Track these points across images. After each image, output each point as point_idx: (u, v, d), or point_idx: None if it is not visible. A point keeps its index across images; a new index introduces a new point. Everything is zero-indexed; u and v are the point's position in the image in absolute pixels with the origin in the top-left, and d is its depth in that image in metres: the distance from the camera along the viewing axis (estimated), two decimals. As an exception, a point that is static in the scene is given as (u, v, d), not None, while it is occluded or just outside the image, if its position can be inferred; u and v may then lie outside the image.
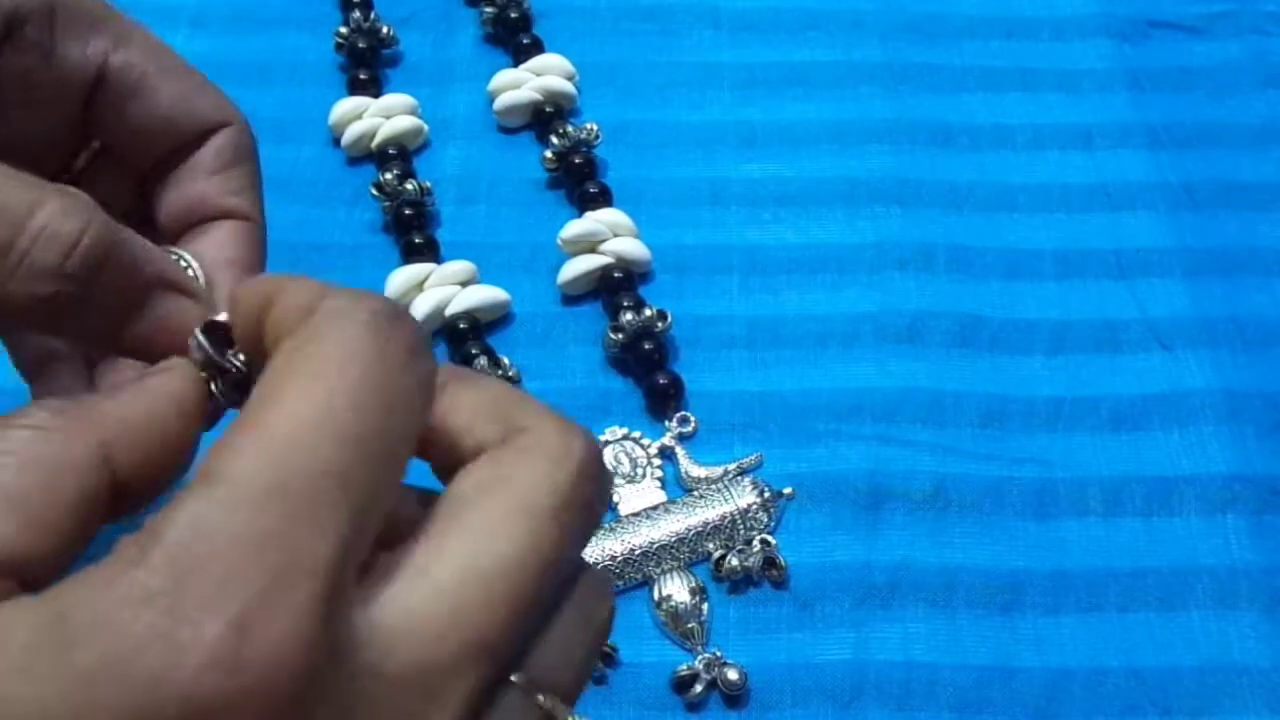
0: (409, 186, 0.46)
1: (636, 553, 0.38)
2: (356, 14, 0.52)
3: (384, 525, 0.19)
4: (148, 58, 0.29)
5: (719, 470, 0.40)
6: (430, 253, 0.45)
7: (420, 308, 0.43)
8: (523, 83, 0.50)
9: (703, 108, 0.50)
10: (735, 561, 0.38)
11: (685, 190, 0.48)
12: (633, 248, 0.44)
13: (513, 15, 0.52)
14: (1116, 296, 0.44)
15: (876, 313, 0.44)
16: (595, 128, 0.47)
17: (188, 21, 0.53)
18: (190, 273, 0.28)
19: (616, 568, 0.38)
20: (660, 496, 0.40)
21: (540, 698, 0.20)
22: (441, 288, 0.43)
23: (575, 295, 0.45)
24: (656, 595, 0.38)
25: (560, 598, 0.21)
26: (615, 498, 0.39)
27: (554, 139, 0.47)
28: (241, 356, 0.25)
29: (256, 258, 0.30)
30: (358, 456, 0.18)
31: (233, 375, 0.25)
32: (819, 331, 0.43)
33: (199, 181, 0.30)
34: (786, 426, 0.41)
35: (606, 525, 0.39)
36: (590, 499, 0.21)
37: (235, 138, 0.30)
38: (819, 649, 0.37)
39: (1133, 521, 0.39)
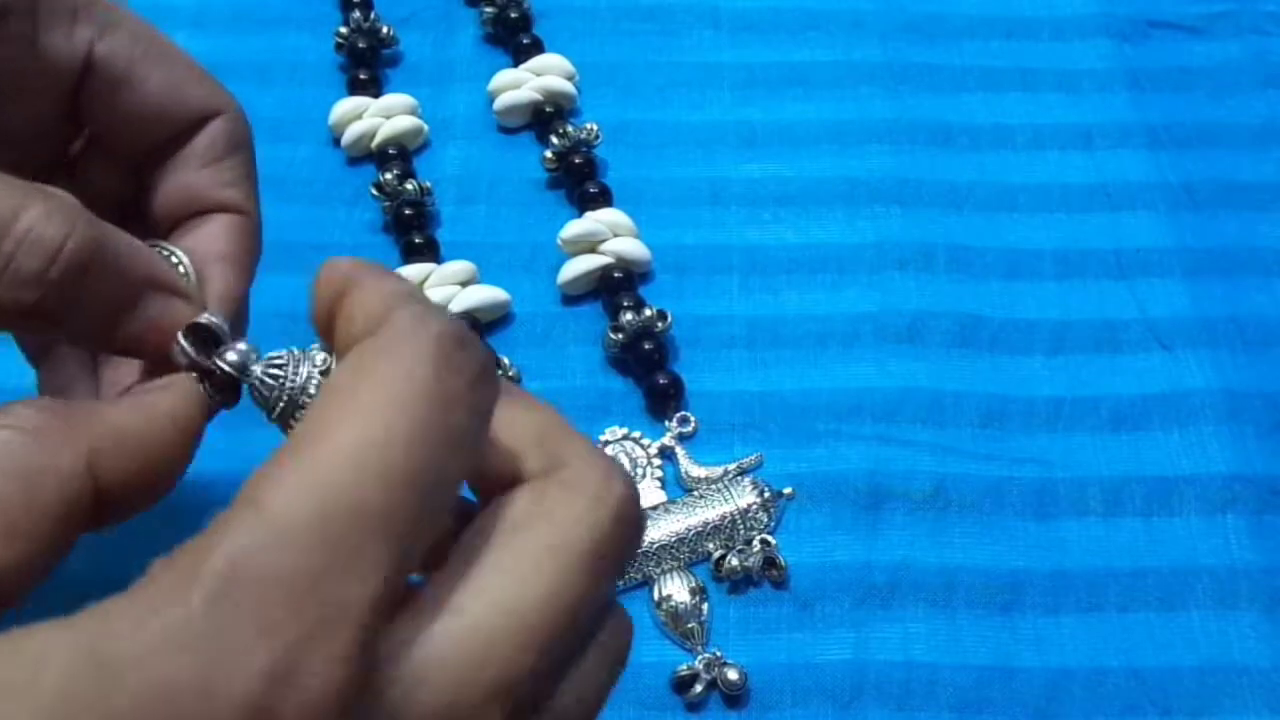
0: (409, 186, 0.46)
1: (636, 553, 0.38)
2: (356, 14, 0.52)
3: None
4: (136, 45, 0.28)
5: (719, 470, 0.40)
6: (430, 253, 0.45)
7: (420, 308, 0.43)
8: (523, 83, 0.50)
9: (703, 108, 0.50)
10: (735, 561, 0.38)
11: (685, 190, 0.48)
12: (633, 248, 0.44)
13: (513, 15, 0.52)
14: (1116, 296, 0.44)
15: (876, 313, 0.44)
16: (595, 128, 0.47)
17: (188, 21, 0.53)
18: (181, 269, 0.27)
19: (616, 568, 0.38)
20: (660, 496, 0.40)
21: None
22: (441, 288, 0.43)
23: (575, 295, 0.45)
24: (656, 595, 0.38)
25: (588, 637, 0.20)
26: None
27: (554, 139, 0.47)
28: (231, 356, 0.25)
29: (249, 253, 0.30)
30: (406, 498, 0.18)
31: (220, 378, 0.25)
32: (819, 331, 0.43)
33: (191, 173, 0.29)
34: (786, 426, 0.41)
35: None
36: (626, 542, 0.20)
37: (228, 127, 0.29)
38: (819, 649, 0.37)
39: (1133, 521, 0.39)
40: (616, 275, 0.44)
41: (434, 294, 0.43)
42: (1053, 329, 0.44)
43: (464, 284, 0.44)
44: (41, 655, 0.16)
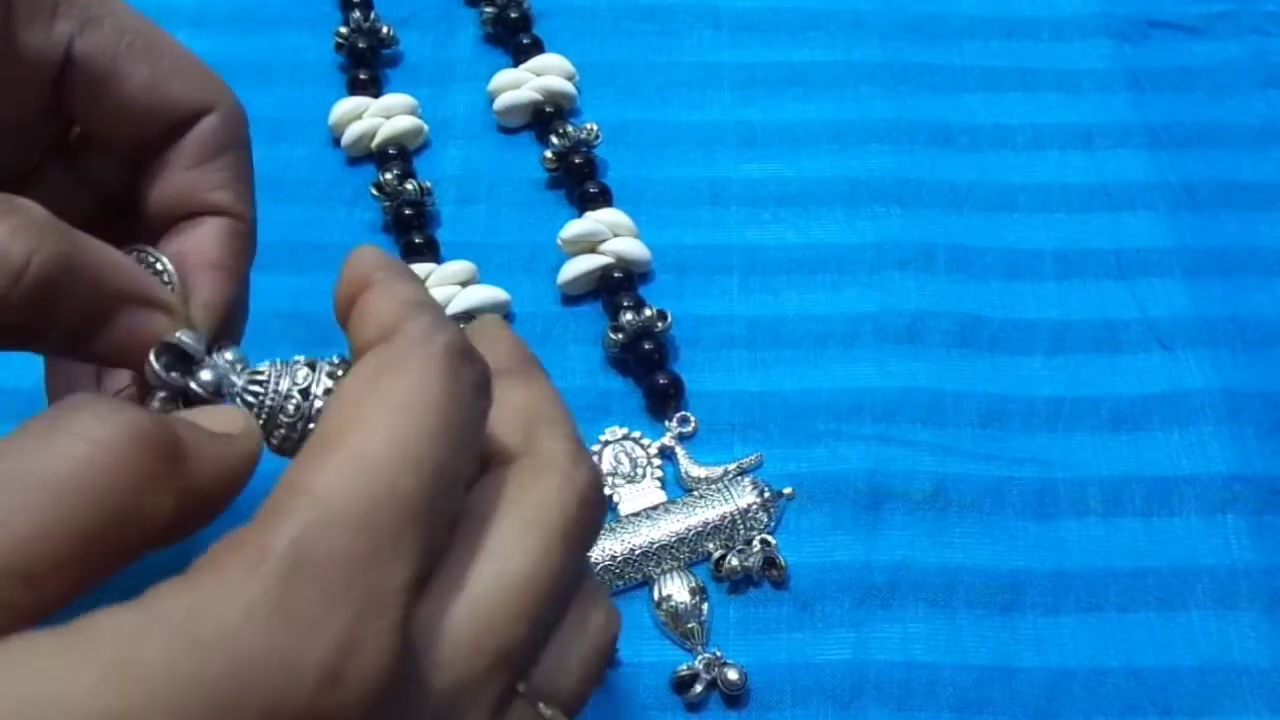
0: (409, 186, 0.46)
1: (636, 553, 0.38)
2: (356, 14, 0.52)
3: None
4: (120, 40, 0.27)
5: (719, 470, 0.40)
6: (430, 253, 0.45)
7: (420, 308, 0.43)
8: (523, 83, 0.50)
9: (703, 108, 0.50)
10: (735, 561, 0.38)
11: (685, 190, 0.48)
12: (633, 248, 0.44)
13: (513, 15, 0.52)
14: (1116, 296, 0.44)
15: (876, 313, 0.44)
16: (595, 128, 0.47)
17: (188, 21, 0.53)
18: (165, 277, 0.27)
19: (616, 568, 0.38)
20: (660, 496, 0.40)
21: (541, 707, 0.21)
22: (441, 288, 0.43)
23: (575, 295, 0.45)
24: (656, 595, 0.38)
25: (560, 612, 0.22)
26: (615, 498, 0.40)
27: (554, 139, 0.47)
28: (205, 375, 0.25)
29: (238, 257, 0.29)
30: (433, 488, 0.19)
31: (196, 397, 0.24)
32: (819, 331, 0.43)
33: (179, 174, 0.28)
34: (786, 426, 0.41)
35: (607, 525, 0.39)
36: (592, 521, 0.23)
37: (218, 126, 0.28)
38: (819, 649, 0.37)
39: (1133, 521, 0.39)
40: (616, 275, 0.44)
41: (434, 294, 0.43)
42: (1053, 329, 0.44)
43: (464, 284, 0.44)
44: (137, 634, 0.17)
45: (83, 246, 0.24)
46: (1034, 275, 0.45)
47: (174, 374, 0.25)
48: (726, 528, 0.38)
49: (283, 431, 0.24)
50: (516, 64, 0.51)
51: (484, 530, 0.21)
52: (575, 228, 0.45)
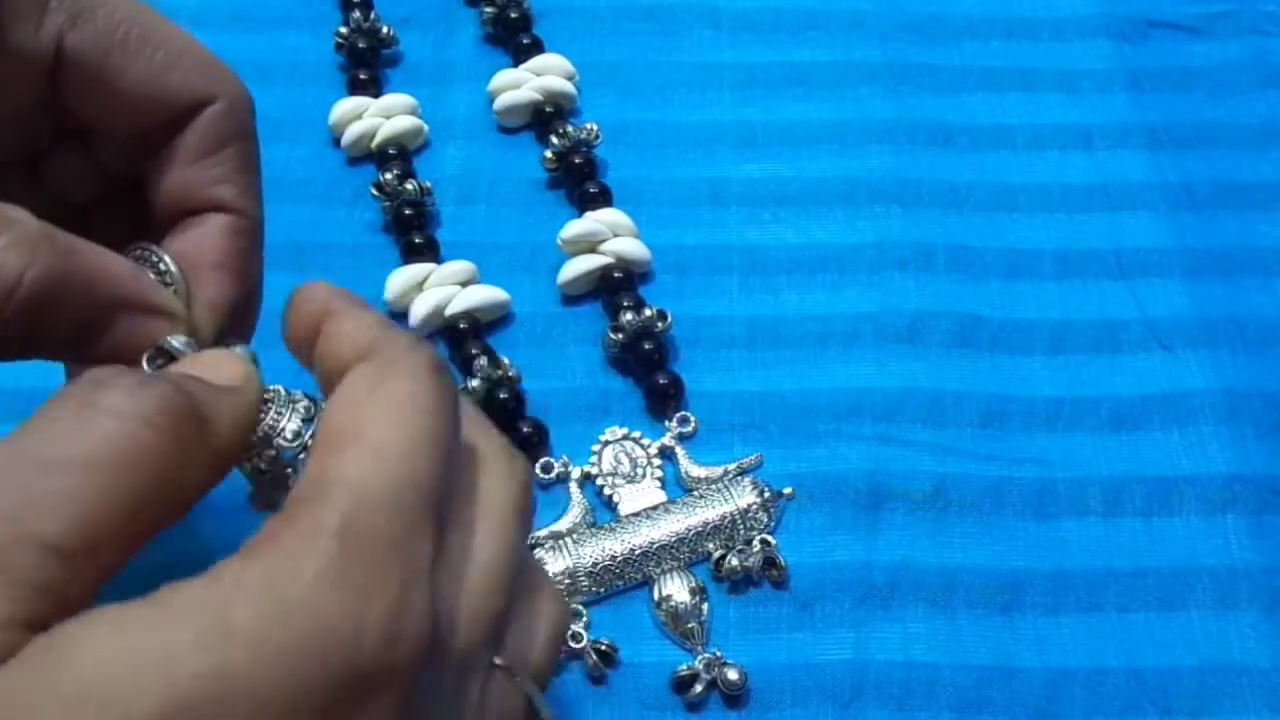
0: (409, 186, 0.46)
1: (636, 553, 0.38)
2: (356, 14, 0.52)
3: None
4: (113, 33, 0.26)
5: (719, 470, 0.40)
6: (430, 253, 0.45)
7: (420, 308, 0.43)
8: (523, 83, 0.50)
9: (703, 108, 0.50)
10: (735, 561, 0.38)
11: (685, 190, 0.48)
12: (633, 248, 0.44)
13: (513, 15, 0.52)
14: (1116, 296, 0.44)
15: (876, 313, 0.44)
16: (595, 128, 0.47)
17: (188, 21, 0.53)
18: (167, 278, 0.26)
19: (616, 568, 0.38)
20: (660, 496, 0.40)
21: (516, 677, 0.24)
22: (441, 288, 0.43)
23: (575, 295, 0.45)
24: (656, 595, 0.38)
25: (515, 592, 0.24)
26: (615, 498, 0.40)
27: (554, 139, 0.47)
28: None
29: (244, 255, 0.28)
30: (442, 474, 0.22)
31: None
32: (819, 331, 0.43)
33: (182, 168, 0.28)
34: (786, 426, 0.41)
35: (607, 525, 0.39)
36: (530, 505, 0.26)
37: (220, 118, 0.28)
38: (819, 649, 0.37)
39: (1133, 521, 0.39)
40: (616, 275, 0.44)
41: (434, 294, 0.43)
42: (1053, 329, 0.44)
43: (464, 284, 0.44)
44: (222, 599, 0.18)
45: (77, 256, 0.23)
46: (1034, 275, 0.45)
47: None
48: (726, 528, 0.38)
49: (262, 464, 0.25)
50: (516, 64, 0.51)
51: (462, 514, 0.23)
52: (575, 228, 0.45)
